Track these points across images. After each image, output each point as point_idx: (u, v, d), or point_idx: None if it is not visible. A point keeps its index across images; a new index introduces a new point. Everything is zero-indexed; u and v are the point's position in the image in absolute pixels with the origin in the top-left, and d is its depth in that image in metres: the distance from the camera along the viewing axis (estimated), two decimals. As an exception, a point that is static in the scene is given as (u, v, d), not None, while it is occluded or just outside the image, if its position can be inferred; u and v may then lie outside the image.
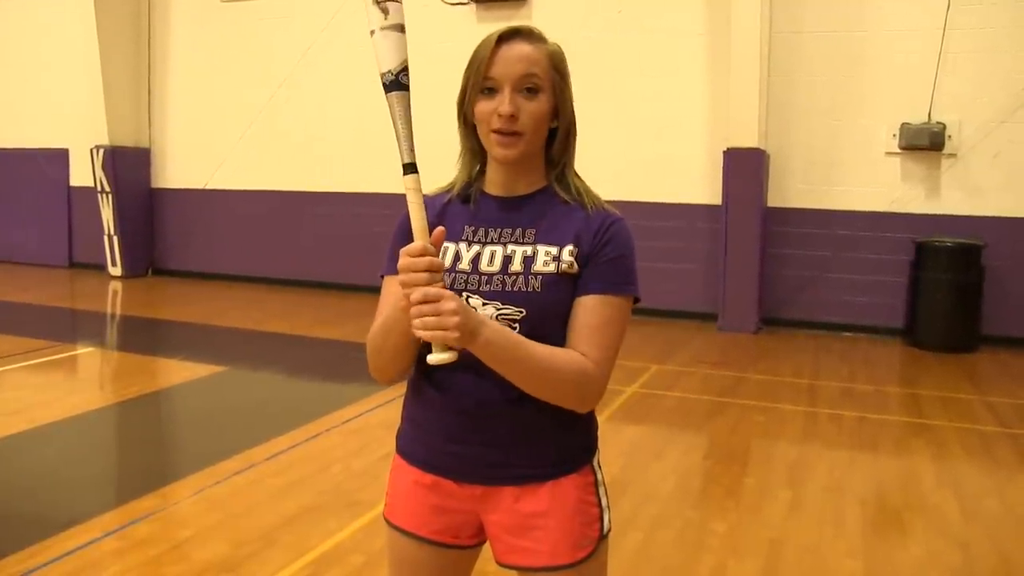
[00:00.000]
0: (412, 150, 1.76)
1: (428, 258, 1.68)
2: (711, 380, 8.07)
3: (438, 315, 1.65)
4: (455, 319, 1.66)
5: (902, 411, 7.10)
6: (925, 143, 9.76)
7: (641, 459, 5.70)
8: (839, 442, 6.23)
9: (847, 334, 10.22)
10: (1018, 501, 5.21)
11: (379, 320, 1.92)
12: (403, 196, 1.74)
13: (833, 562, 4.23)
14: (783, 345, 9.73)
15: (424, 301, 1.66)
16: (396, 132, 1.76)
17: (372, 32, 1.78)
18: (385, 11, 1.76)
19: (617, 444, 5.91)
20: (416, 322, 1.67)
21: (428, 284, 1.67)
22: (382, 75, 1.78)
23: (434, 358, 1.67)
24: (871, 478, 5.49)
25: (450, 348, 1.69)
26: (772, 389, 7.68)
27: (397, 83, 1.77)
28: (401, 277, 1.69)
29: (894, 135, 9.97)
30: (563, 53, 1.94)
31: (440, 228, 1.74)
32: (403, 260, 1.69)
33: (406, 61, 1.78)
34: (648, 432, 6.43)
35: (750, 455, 6.05)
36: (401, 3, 1.79)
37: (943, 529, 4.67)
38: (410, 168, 1.74)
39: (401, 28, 1.78)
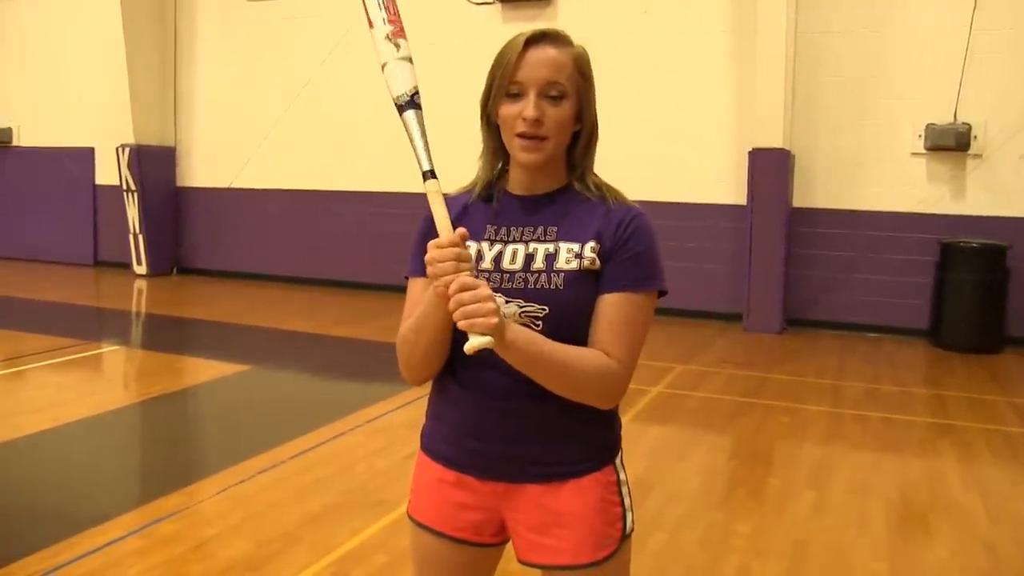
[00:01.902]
0: (430, 158, 1.84)
1: (456, 249, 1.71)
2: (735, 380, 8.04)
3: (477, 301, 1.67)
4: (492, 304, 1.68)
5: (927, 412, 7.06)
6: (951, 144, 9.70)
7: (666, 459, 5.69)
8: (864, 443, 6.20)
9: (872, 335, 10.17)
10: (1045, 503, 5.18)
11: (410, 320, 1.93)
12: (426, 196, 1.81)
13: (858, 563, 4.21)
14: (808, 346, 9.69)
15: (462, 289, 1.68)
16: (413, 145, 1.87)
17: (384, 65, 1.92)
18: (396, 45, 1.92)
19: (642, 444, 5.90)
20: (457, 312, 1.68)
21: (457, 271, 1.70)
22: (396, 98, 1.90)
23: (474, 343, 1.66)
24: (896, 479, 5.45)
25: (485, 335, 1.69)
26: (797, 390, 7.64)
27: (412, 103, 1.89)
28: (431, 269, 1.72)
29: (920, 135, 9.91)
30: (588, 56, 1.95)
31: (462, 228, 1.76)
32: (432, 252, 1.73)
33: (416, 85, 1.91)
34: (672, 432, 6.42)
35: (774, 456, 6.03)
36: (407, 39, 1.94)
37: (969, 531, 4.64)
38: (430, 175, 1.82)
39: (410, 60, 1.93)
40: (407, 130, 1.88)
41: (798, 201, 10.50)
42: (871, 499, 5.06)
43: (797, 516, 4.79)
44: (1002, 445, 6.18)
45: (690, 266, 10.66)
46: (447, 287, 1.70)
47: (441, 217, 1.77)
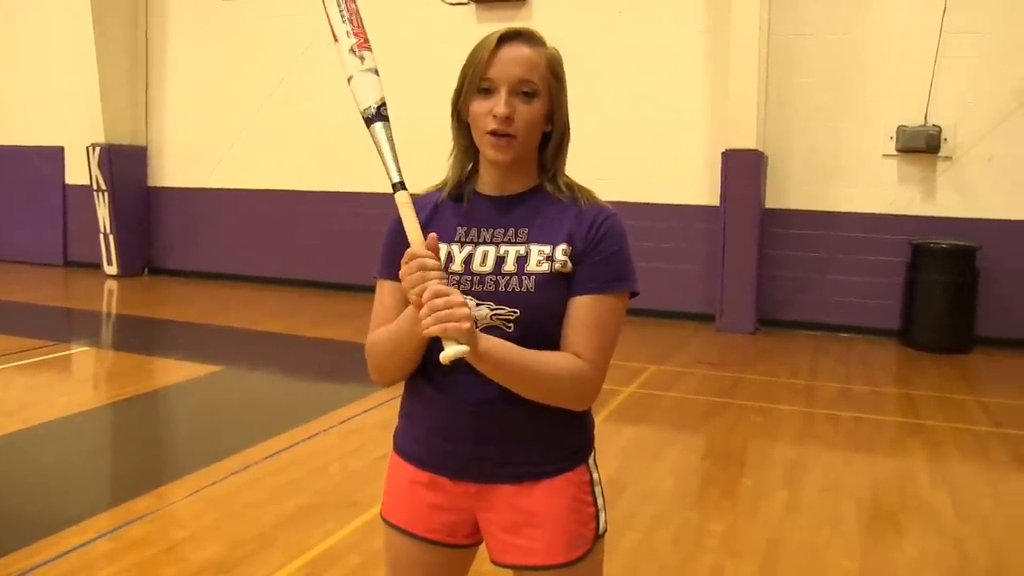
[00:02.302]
0: (399, 169, 1.85)
1: (420, 260, 1.73)
2: (709, 381, 8.07)
3: (449, 308, 1.67)
4: (465, 310, 1.68)
5: (898, 412, 7.12)
6: (921, 145, 9.78)
7: (639, 459, 5.71)
8: (836, 443, 6.25)
9: (844, 335, 10.24)
10: (1012, 501, 5.24)
11: (386, 329, 1.93)
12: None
13: (830, 562, 4.24)
14: (781, 346, 9.75)
15: (433, 297, 1.68)
16: (382, 157, 1.87)
17: (350, 78, 1.93)
18: (361, 58, 1.94)
19: (615, 444, 5.91)
20: (427, 319, 1.68)
21: (426, 281, 1.71)
22: (363, 111, 1.91)
23: (450, 352, 1.66)
24: (867, 478, 5.50)
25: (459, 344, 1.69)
26: (770, 390, 7.69)
27: (379, 115, 1.91)
28: (405, 282, 1.74)
29: (891, 137, 9.99)
30: (561, 58, 1.96)
31: (432, 234, 1.78)
32: (406, 266, 1.74)
33: (383, 97, 1.93)
34: (646, 432, 6.44)
35: (748, 456, 6.06)
36: (372, 51, 1.95)
37: (938, 529, 4.68)
38: (400, 186, 1.84)
39: (375, 72, 1.95)
40: (375, 142, 1.89)
41: (771, 202, 10.55)
42: (843, 498, 5.10)
43: (770, 515, 4.82)
44: (971, 444, 6.24)
45: (663, 267, 10.69)
46: (419, 296, 1.70)
47: (413, 229, 1.79)
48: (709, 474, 5.64)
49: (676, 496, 5.14)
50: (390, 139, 1.89)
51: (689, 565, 4.17)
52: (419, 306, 1.70)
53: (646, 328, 10.08)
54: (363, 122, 1.91)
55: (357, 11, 1.98)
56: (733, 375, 8.27)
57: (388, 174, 1.84)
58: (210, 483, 5.08)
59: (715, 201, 10.54)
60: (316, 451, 5.73)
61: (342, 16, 1.96)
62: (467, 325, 1.68)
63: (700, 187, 10.80)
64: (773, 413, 6.93)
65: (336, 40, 1.96)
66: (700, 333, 10.35)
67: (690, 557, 4.25)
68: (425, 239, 1.77)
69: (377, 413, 6.49)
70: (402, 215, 1.81)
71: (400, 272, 1.75)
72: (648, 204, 10.72)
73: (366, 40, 1.97)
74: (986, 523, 4.80)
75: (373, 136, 1.89)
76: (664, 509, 4.87)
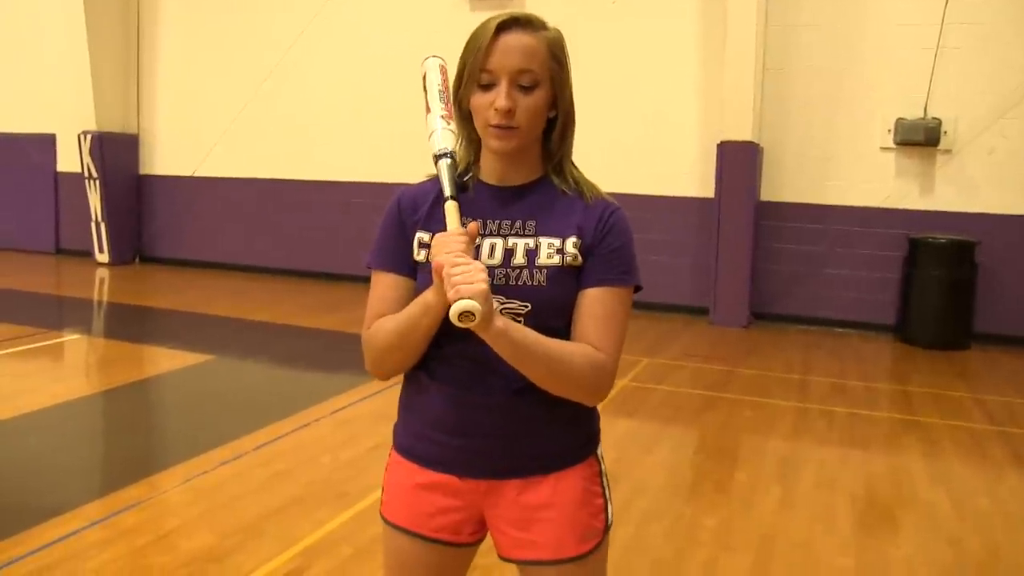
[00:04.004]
0: (454, 188, 1.84)
1: (466, 237, 1.73)
2: (702, 374, 8.07)
3: (468, 271, 1.66)
4: (483, 275, 1.66)
5: (893, 408, 7.12)
6: (920, 139, 9.75)
7: (632, 453, 5.71)
8: (830, 438, 6.24)
9: (839, 330, 10.25)
10: (1008, 498, 5.23)
11: (391, 319, 1.91)
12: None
13: (824, 558, 4.24)
14: (774, 340, 9.75)
15: (458, 264, 1.67)
16: (443, 183, 1.85)
17: (433, 131, 1.92)
18: (447, 123, 1.92)
19: (608, 437, 5.82)
20: (447, 282, 1.66)
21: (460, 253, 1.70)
22: (437, 152, 1.89)
23: (462, 303, 1.62)
24: (862, 475, 5.49)
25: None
26: (763, 384, 7.69)
27: (449, 155, 1.88)
28: (435, 249, 1.74)
29: (889, 130, 9.96)
30: (563, 40, 1.93)
31: (473, 224, 1.78)
32: (442, 235, 1.76)
33: (456, 149, 1.92)
34: (639, 426, 6.43)
35: (741, 450, 6.06)
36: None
37: (935, 526, 4.68)
38: (452, 198, 1.82)
39: (454, 132, 1.93)
40: (439, 173, 1.87)
41: (766, 195, 10.54)
42: (837, 494, 5.10)
43: (764, 511, 4.82)
44: (968, 441, 6.24)
45: (657, 259, 10.66)
46: (445, 263, 1.68)
47: (452, 223, 1.79)
48: (702, 468, 5.63)
49: (669, 490, 5.14)
50: (452, 170, 1.87)
51: (682, 559, 4.16)
52: (439, 271, 1.69)
53: (638, 321, 10.04)
54: (432, 160, 1.90)
55: (448, 89, 1.98)
56: (726, 369, 8.27)
57: (444, 190, 1.83)
58: (201, 472, 5.07)
59: (709, 193, 10.53)
60: (307, 441, 5.72)
61: (440, 96, 1.96)
62: (483, 286, 1.64)
63: (694, 179, 10.78)
64: (766, 408, 6.93)
65: (428, 111, 1.95)
66: (693, 326, 10.35)
67: (683, 551, 4.25)
68: (432, 232, 1.80)
69: (369, 403, 6.48)
70: (448, 220, 1.80)
71: (436, 239, 1.75)
72: (641, 196, 10.68)
73: (451, 114, 1.95)
74: (983, 521, 4.80)
75: (439, 169, 1.87)
76: (657, 503, 4.87)
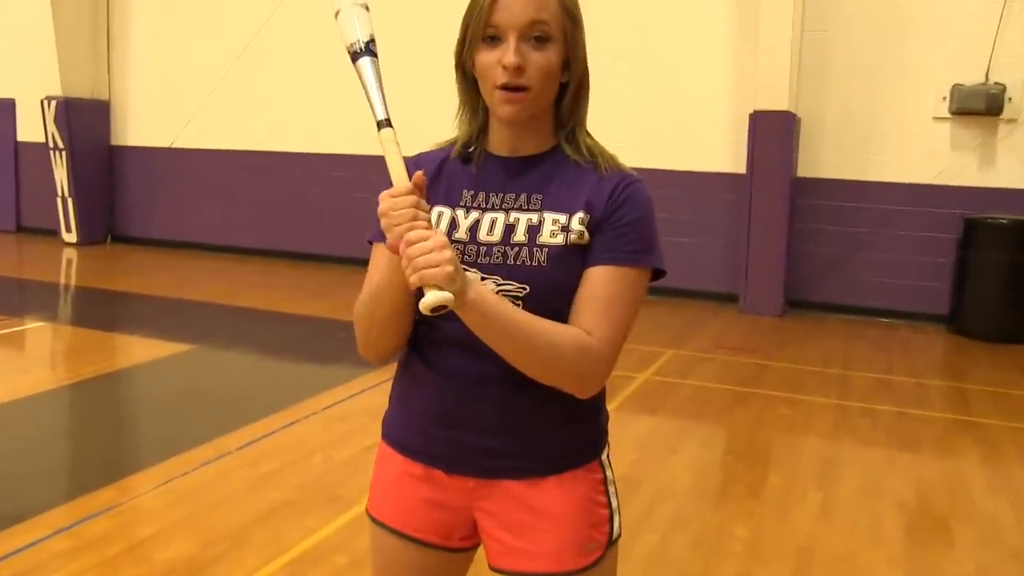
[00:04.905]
0: (386, 108, 1.80)
1: (413, 197, 1.67)
2: (731, 368, 8.07)
3: (427, 252, 1.60)
4: (447, 252, 1.61)
5: (946, 407, 7.10)
6: (980, 107, 9.68)
7: (654, 454, 5.69)
8: (875, 439, 6.22)
9: (884, 320, 10.23)
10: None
11: (365, 290, 1.89)
12: (383, 159, 1.77)
13: (870, 573, 4.22)
14: (812, 330, 9.73)
15: (413, 242, 1.62)
16: (368, 95, 1.82)
17: (337, 12, 1.89)
18: None
19: (628, 437, 5.88)
20: (406, 266, 1.62)
21: (413, 220, 1.65)
22: (350, 46, 1.87)
23: (430, 298, 1.58)
24: (912, 480, 5.46)
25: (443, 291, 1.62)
26: (799, 379, 7.67)
27: (368, 51, 1.86)
28: (384, 221, 1.67)
29: (944, 98, 9.90)
30: None
31: (419, 172, 1.72)
32: (384, 203, 1.68)
33: (373, 33, 1.89)
34: (662, 424, 6.42)
35: (775, 452, 6.04)
36: None
37: (997, 541, 4.64)
38: (385, 123, 1.78)
39: (366, 7, 1.91)
40: (361, 79, 1.84)
41: (803, 170, 10.51)
42: (884, 501, 5.07)
43: (801, 519, 4.79)
44: (1032, 445, 6.22)
45: (682, 240, 10.64)
46: (400, 240, 1.63)
47: (395, 165, 1.72)
48: (732, 471, 5.62)
49: (696, 495, 5.12)
50: (378, 76, 1.84)
51: (710, 572, 4.15)
52: (396, 250, 1.65)
53: (662, 309, 10.05)
54: (349, 59, 1.87)
55: None
56: (758, 362, 8.26)
57: (373, 111, 1.79)
58: (179, 474, 5.06)
59: (741, 168, 10.52)
60: (297, 440, 5.72)
61: None
62: (449, 268, 1.60)
63: (724, 153, 10.76)
64: (803, 405, 6.92)
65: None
66: (722, 315, 10.35)
67: (711, 563, 4.23)
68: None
69: (364, 398, 6.48)
70: (386, 155, 1.75)
71: (379, 210, 1.69)
72: (666, 171, 10.67)
73: None
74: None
75: (359, 73, 1.84)
76: (682, 509, 4.85)
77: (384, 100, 1.81)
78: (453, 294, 1.60)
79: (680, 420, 6.57)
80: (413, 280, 1.60)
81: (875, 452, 5.97)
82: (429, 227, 1.66)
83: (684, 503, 4.94)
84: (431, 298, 1.58)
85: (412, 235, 1.62)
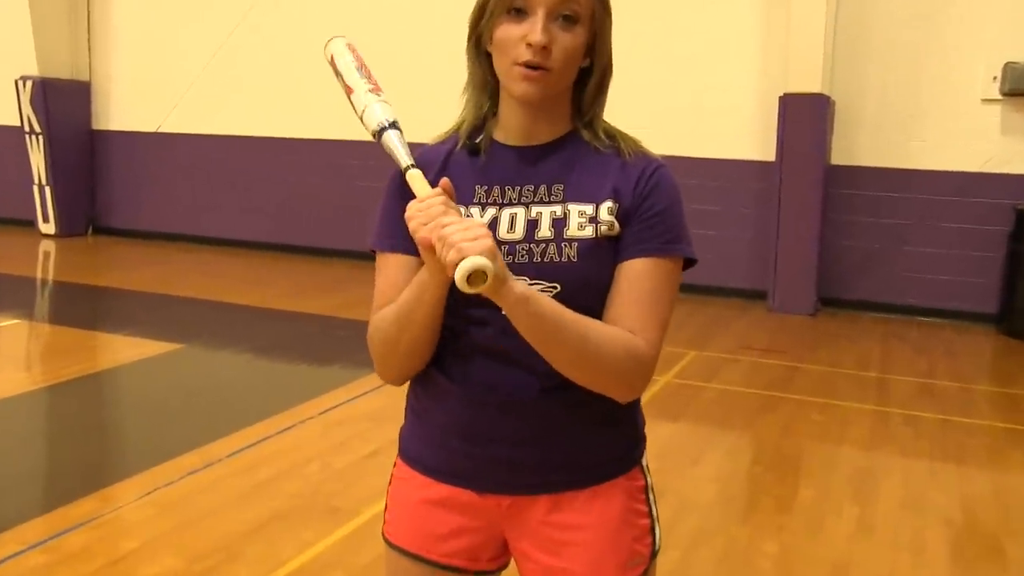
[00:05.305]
0: (409, 153, 1.83)
1: (442, 196, 1.68)
2: (760, 370, 8.06)
3: (465, 229, 1.59)
4: (486, 230, 1.61)
5: (996, 415, 7.08)
6: (1035, 87, 9.65)
7: (676, 463, 5.68)
8: (917, 449, 6.20)
9: (926, 319, 10.20)
10: None
11: (389, 307, 1.87)
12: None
13: (912, 594, 4.21)
14: (846, 330, 9.73)
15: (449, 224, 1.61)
16: (394, 155, 1.85)
17: (363, 109, 1.93)
18: (377, 95, 1.94)
19: (650, 443, 5.82)
20: (440, 248, 1.60)
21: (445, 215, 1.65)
22: (374, 131, 1.90)
23: (467, 263, 1.55)
24: (958, 495, 5.43)
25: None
26: (833, 383, 7.67)
27: (392, 126, 1.88)
28: (413, 225, 1.66)
29: (995, 77, 9.86)
30: None
31: (445, 179, 1.72)
32: (412, 210, 1.68)
33: (396, 118, 1.91)
34: (684, 431, 6.43)
35: (807, 461, 6.04)
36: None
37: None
38: (411, 167, 1.80)
39: (388, 103, 1.94)
40: (389, 150, 1.86)
41: (838, 158, 10.49)
42: (927, 517, 5.05)
43: (836, 535, 4.78)
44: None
45: (706, 233, 10.59)
46: (432, 233, 1.62)
47: (421, 189, 1.74)
48: (760, 482, 5.62)
49: (721, 508, 5.13)
50: (403, 142, 1.86)
51: (739, 592, 4.15)
52: (430, 246, 1.63)
53: (684, 306, 10.02)
54: (374, 138, 1.90)
55: (364, 65, 2.00)
56: (789, 364, 8.25)
57: (399, 163, 1.82)
58: (165, 483, 5.06)
59: (770, 156, 10.50)
60: (292, 446, 5.72)
61: (358, 71, 1.97)
62: (488, 242, 1.58)
63: (752, 139, 10.75)
64: (837, 411, 6.91)
65: (351, 91, 1.96)
66: (749, 313, 10.36)
67: (740, 582, 4.23)
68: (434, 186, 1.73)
69: (365, 402, 6.49)
70: (412, 187, 1.76)
71: (408, 215, 1.68)
72: (688, 158, 10.62)
73: (377, 86, 1.96)
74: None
75: (386, 145, 1.86)
76: (706, 523, 4.85)
77: (407, 147, 1.84)
78: (495, 277, 1.58)
79: (704, 427, 6.58)
80: (451, 256, 1.57)
81: (917, 463, 5.96)
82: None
83: (708, 516, 4.95)
84: (469, 263, 1.55)
85: (446, 220, 1.62)
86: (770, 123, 10.43)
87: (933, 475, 5.76)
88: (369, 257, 1.98)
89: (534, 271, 1.82)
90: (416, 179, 1.76)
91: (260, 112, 13.17)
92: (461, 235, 1.58)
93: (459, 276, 1.55)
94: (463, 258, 1.56)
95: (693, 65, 10.88)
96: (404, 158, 1.80)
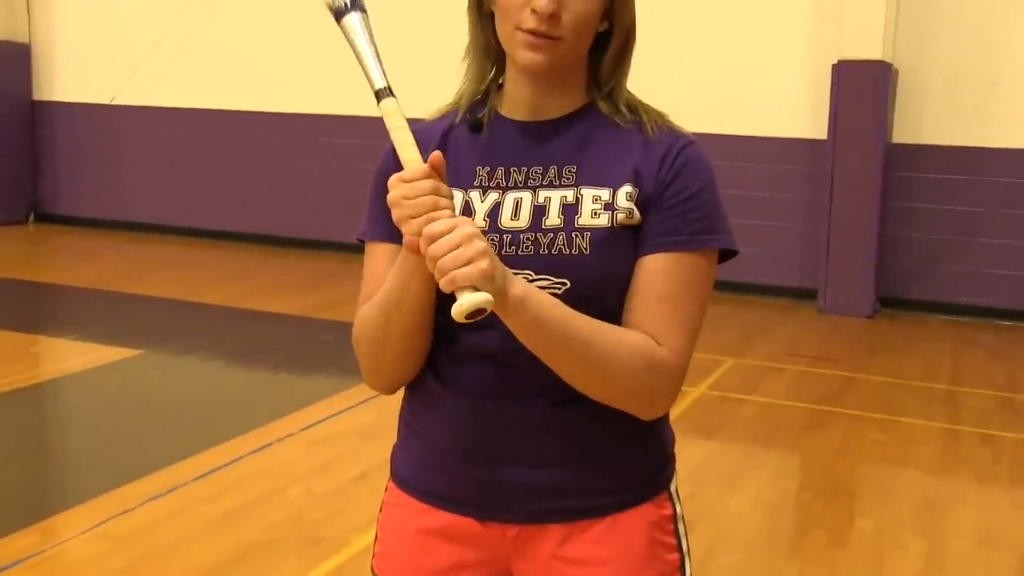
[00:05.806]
0: (384, 73, 1.77)
1: (431, 181, 1.63)
2: (809, 381, 8.07)
3: (455, 247, 1.56)
4: (478, 245, 1.58)
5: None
6: None
7: (713, 487, 5.70)
8: (994, 475, 6.20)
9: (1004, 323, 10.19)
10: None
11: (373, 300, 1.86)
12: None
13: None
14: (910, 335, 9.74)
15: (434, 237, 1.58)
16: (360, 59, 1.79)
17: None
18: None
19: (679, 467, 5.82)
20: (431, 268, 1.58)
21: (434, 210, 1.61)
22: (331, 3, 1.83)
23: (464, 302, 1.55)
24: (1043, 528, 5.46)
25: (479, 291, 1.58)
26: (895, 396, 7.67)
27: (355, 5, 1.82)
28: (397, 212, 1.64)
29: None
30: None
31: (437, 153, 1.68)
32: (396, 190, 1.64)
33: None
34: (722, 450, 6.44)
35: (864, 488, 6.06)
36: None
37: None
38: (385, 92, 1.75)
39: None
40: (350, 41, 1.81)
41: (900, 135, 10.49)
42: (1007, 554, 5.06)
43: (900, 573, 4.78)
44: None
45: (747, 223, 10.54)
46: (420, 236, 1.60)
47: (405, 145, 1.70)
48: (810, 511, 5.63)
49: (764, 539, 5.14)
50: (370, 35, 1.81)
51: (786, 638, 4.16)
52: (419, 251, 1.62)
53: (722, 307, 9.96)
54: (334, 19, 1.84)
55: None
56: (843, 374, 8.26)
57: (369, 79, 1.77)
58: (120, 512, 5.05)
59: (821, 134, 10.51)
60: (269, 468, 5.75)
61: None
62: (483, 264, 1.56)
63: (800, 113, 10.76)
64: (900, 429, 6.91)
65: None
66: (797, 315, 10.37)
67: (788, 627, 4.24)
68: (425, 160, 1.68)
69: (353, 416, 6.50)
70: (391, 131, 1.73)
71: (390, 198, 1.65)
72: (727, 136, 10.63)
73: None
74: None
75: (347, 33, 1.81)
76: (747, 558, 4.86)
77: (380, 64, 1.78)
78: (492, 295, 1.57)
79: (744, 446, 6.59)
80: (443, 284, 1.57)
81: (995, 491, 5.97)
82: (453, 216, 1.63)
83: (749, 550, 4.96)
84: (466, 301, 1.55)
85: (434, 228, 1.59)
86: (822, 95, 10.43)
87: (1014, 505, 5.76)
88: (360, 250, 1.98)
89: (541, 264, 1.81)
90: (392, 119, 1.73)
91: (232, 82, 13.17)
92: (452, 258, 1.55)
93: (456, 314, 1.56)
94: (455, 288, 1.56)
95: (730, 27, 10.88)
96: (375, 73, 1.77)
